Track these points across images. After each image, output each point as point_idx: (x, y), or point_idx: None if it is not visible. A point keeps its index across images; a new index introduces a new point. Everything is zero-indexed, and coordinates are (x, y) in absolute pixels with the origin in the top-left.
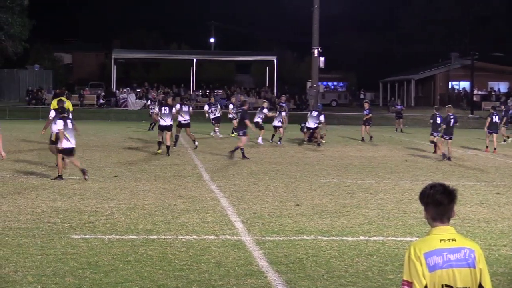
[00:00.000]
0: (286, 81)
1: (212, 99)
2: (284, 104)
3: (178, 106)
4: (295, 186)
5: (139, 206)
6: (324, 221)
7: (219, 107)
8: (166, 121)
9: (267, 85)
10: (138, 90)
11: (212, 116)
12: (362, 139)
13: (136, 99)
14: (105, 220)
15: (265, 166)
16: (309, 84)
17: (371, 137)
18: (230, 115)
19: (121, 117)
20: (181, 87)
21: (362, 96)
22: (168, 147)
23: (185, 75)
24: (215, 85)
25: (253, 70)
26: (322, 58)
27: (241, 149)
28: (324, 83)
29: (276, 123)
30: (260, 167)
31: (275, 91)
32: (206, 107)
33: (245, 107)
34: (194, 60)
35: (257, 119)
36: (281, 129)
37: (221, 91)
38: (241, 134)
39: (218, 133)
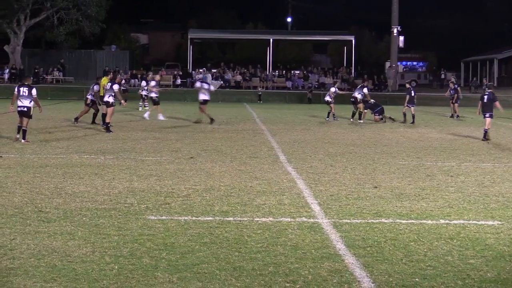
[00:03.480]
0: (364, 61)
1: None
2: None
3: (153, 82)
4: (373, 168)
5: (215, 188)
6: (403, 204)
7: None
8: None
9: (344, 65)
10: (214, 70)
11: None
12: (452, 116)
13: (212, 79)
14: (181, 202)
15: (342, 147)
16: (387, 64)
17: (457, 115)
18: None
19: (197, 98)
20: (258, 68)
21: (442, 76)
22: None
23: (261, 55)
24: (292, 66)
25: (330, 50)
26: (401, 37)
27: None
28: (404, 63)
29: (328, 98)
30: (337, 148)
31: (352, 71)
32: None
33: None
34: (271, 40)
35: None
36: (332, 105)
37: (298, 71)
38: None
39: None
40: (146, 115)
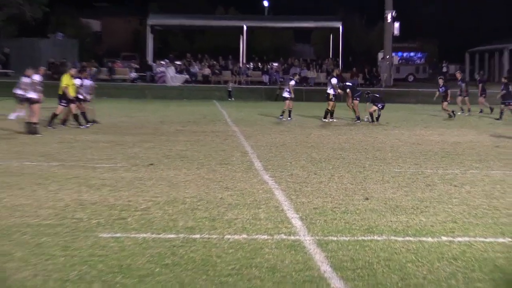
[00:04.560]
0: (353, 52)
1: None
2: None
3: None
4: (363, 176)
5: (179, 200)
6: (399, 219)
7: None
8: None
9: (330, 56)
10: (178, 62)
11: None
12: (453, 113)
13: (176, 73)
14: (139, 216)
15: (328, 152)
16: (380, 55)
17: (453, 112)
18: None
19: (158, 95)
20: (229, 59)
21: (444, 69)
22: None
23: (233, 45)
24: (270, 56)
25: (314, 38)
26: (396, 24)
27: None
28: (399, 53)
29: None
30: (322, 153)
31: (340, 63)
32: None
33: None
34: (244, 27)
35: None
36: (288, 101)
37: (276, 64)
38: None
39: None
40: (13, 116)
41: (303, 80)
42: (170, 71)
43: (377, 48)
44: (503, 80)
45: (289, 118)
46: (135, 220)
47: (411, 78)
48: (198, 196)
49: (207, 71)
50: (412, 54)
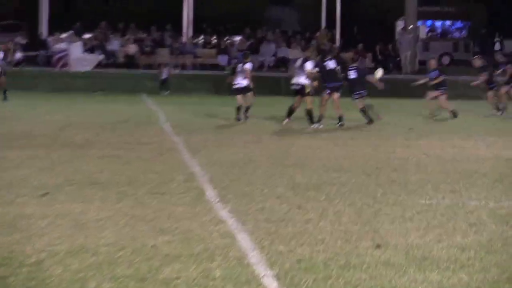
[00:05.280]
0: (359, 20)
1: None
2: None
3: None
4: (373, 211)
5: (90, 249)
6: (428, 277)
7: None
8: None
9: (323, 25)
10: (88, 35)
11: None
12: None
13: (84, 52)
14: (27, 274)
15: (318, 174)
16: (400, 24)
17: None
18: None
19: (57, 85)
20: (166, 30)
21: (497, 46)
22: None
23: (172, 8)
24: (229, 27)
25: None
26: None
27: None
28: (429, 22)
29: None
30: (310, 176)
31: (337, 37)
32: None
33: None
34: None
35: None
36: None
37: (239, 37)
38: None
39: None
40: None
41: (280, 63)
42: (76, 50)
43: (395, 14)
44: None
45: (239, 119)
46: (21, 281)
47: (446, 59)
48: (119, 242)
49: (132, 48)
50: (448, 23)
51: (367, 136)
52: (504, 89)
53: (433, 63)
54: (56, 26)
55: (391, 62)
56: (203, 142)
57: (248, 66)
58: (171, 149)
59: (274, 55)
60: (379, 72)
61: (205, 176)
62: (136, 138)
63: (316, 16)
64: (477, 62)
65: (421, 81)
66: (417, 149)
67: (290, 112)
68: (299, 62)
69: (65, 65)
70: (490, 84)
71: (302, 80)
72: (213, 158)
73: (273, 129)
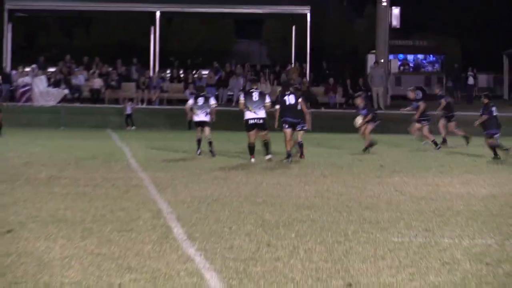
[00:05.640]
0: (329, 53)
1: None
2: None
3: None
4: (344, 249)
5: None
6: None
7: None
8: None
9: (293, 59)
10: (52, 69)
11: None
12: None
13: (48, 85)
14: None
15: (288, 211)
16: (371, 58)
17: (368, 146)
18: None
19: (20, 120)
20: (134, 65)
21: (471, 80)
22: None
23: (140, 41)
24: (197, 61)
25: (267, 32)
26: (396, 10)
27: None
28: (400, 56)
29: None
30: (280, 214)
31: (307, 70)
32: (190, 101)
33: None
34: (157, 15)
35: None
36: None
37: (207, 72)
38: None
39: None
40: None
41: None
42: (40, 83)
43: (366, 47)
44: None
45: (198, 152)
46: None
47: (419, 94)
48: (84, 282)
49: (97, 83)
50: (420, 57)
51: (338, 173)
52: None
53: (412, 95)
54: (19, 59)
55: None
56: (170, 179)
57: (212, 101)
58: (138, 185)
59: (243, 89)
60: (359, 121)
61: (172, 214)
62: (101, 175)
63: (285, 49)
64: (358, 101)
65: (407, 108)
66: (389, 187)
67: (252, 149)
68: (255, 96)
69: (28, 99)
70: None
71: (263, 114)
72: (180, 195)
73: (242, 165)
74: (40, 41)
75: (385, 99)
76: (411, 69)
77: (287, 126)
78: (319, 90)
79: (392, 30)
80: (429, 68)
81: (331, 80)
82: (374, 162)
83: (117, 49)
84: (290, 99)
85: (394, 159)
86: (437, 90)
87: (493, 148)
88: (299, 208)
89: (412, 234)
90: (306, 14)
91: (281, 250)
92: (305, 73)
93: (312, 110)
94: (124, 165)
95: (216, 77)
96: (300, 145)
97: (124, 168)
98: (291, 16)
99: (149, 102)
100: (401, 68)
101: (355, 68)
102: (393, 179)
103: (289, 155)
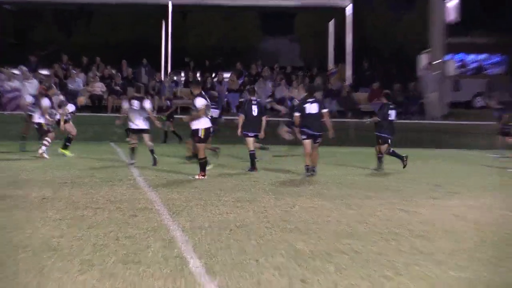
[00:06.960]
0: (372, 52)
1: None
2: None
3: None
4: (393, 286)
5: None
6: None
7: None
8: None
9: (332, 59)
10: (46, 72)
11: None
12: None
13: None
14: None
15: (326, 240)
16: (423, 58)
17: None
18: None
19: (8, 131)
20: (142, 66)
21: None
22: None
23: (149, 39)
24: (216, 62)
25: (300, 28)
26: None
27: None
28: (458, 56)
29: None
30: (316, 243)
31: (349, 72)
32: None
33: None
34: (169, 7)
35: None
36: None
37: (228, 74)
38: None
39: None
40: None
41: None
42: (30, 88)
43: (417, 46)
44: None
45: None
46: None
47: (479, 101)
48: None
49: (99, 87)
50: (482, 57)
51: (385, 195)
52: None
53: (493, 103)
54: (8, 60)
55: (413, 104)
56: (185, 201)
57: (215, 111)
58: (147, 209)
59: (271, 95)
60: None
61: (188, 243)
62: (103, 196)
63: (321, 48)
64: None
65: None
66: (446, 211)
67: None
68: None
69: (17, 106)
70: None
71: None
72: (197, 221)
73: (270, 185)
74: (32, 37)
75: (441, 107)
76: (471, 70)
77: (305, 137)
78: (361, 95)
79: (449, 25)
80: (493, 70)
81: (376, 85)
82: (428, 181)
83: (121, 48)
84: (312, 107)
85: (451, 178)
86: (492, 103)
87: None
88: (339, 236)
89: (474, 268)
90: (345, 8)
91: (318, 286)
92: (344, 77)
93: (355, 120)
94: (130, 184)
95: (240, 81)
96: (392, 153)
97: (130, 188)
98: (329, 9)
99: (160, 109)
100: (459, 69)
101: (403, 70)
102: (452, 201)
103: (307, 169)
